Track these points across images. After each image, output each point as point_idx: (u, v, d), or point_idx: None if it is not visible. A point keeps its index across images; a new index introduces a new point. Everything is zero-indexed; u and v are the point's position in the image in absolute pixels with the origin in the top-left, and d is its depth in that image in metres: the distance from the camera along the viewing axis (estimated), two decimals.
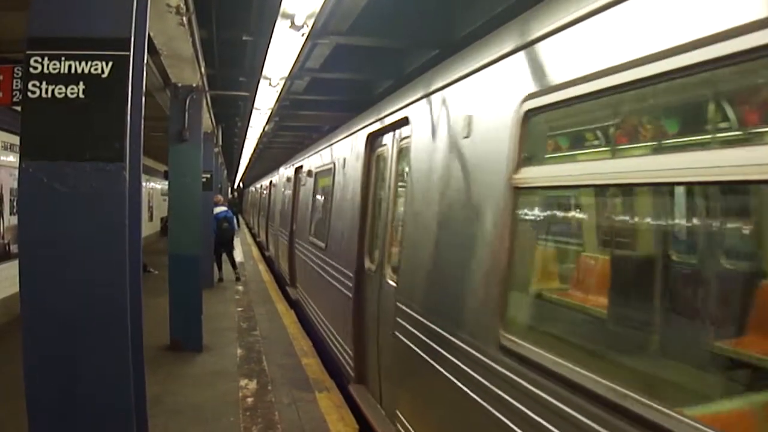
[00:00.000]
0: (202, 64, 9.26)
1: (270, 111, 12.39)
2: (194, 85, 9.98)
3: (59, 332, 3.05)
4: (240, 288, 16.69)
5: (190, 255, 9.91)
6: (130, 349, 3.17)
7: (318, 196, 11.38)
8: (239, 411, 7.31)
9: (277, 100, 11.32)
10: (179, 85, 9.99)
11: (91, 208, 3.07)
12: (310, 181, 12.10)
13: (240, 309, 13.69)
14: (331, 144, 9.88)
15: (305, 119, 15.86)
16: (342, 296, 8.05)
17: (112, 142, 3.05)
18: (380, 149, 7.07)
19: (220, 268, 17.84)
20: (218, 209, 17.85)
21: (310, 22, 6.01)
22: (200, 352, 9.93)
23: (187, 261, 9.90)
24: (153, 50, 8.50)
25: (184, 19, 6.59)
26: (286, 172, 18.34)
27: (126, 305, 3.11)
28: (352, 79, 11.51)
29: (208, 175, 16.27)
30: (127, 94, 3.09)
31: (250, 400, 7.70)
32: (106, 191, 3.06)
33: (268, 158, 31.09)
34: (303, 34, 6.32)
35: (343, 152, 8.51)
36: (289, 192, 16.81)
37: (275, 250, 19.80)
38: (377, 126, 7.04)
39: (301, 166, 14.20)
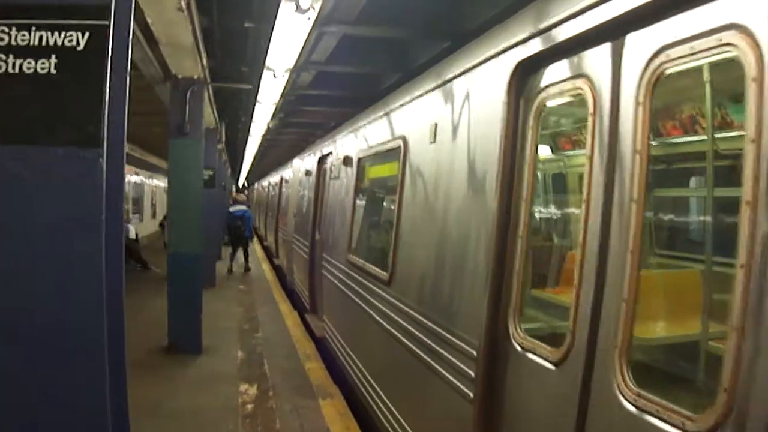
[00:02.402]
0: (204, 54, 8.89)
1: (275, 106, 12.00)
2: (195, 77, 9.60)
3: (22, 342, 2.66)
4: (242, 287, 16.35)
5: (190, 254, 9.54)
6: (108, 364, 2.76)
7: (366, 195, 8.45)
8: (239, 418, 6.93)
9: (281, 95, 10.95)
10: (180, 77, 9.62)
11: (63, 200, 2.66)
12: (348, 172, 8.81)
13: (242, 309, 13.32)
14: (395, 108, 6.63)
15: (311, 115, 15.48)
16: (437, 384, 4.67)
17: (87, 125, 2.64)
18: (558, 89, 3.57)
19: (231, 260, 19.28)
20: (236, 207, 19.52)
21: (317, 6, 5.63)
22: (199, 354, 9.57)
23: (187, 260, 9.53)
24: (152, 39, 8.15)
25: (183, 3, 6.21)
26: (303, 163, 15.05)
27: (102, 312, 2.71)
28: (359, 73, 11.08)
29: (211, 172, 15.98)
30: (106, 69, 2.69)
31: (250, 406, 7.32)
32: (80, 181, 2.65)
33: (273, 156, 30.69)
34: (309, 18, 5.92)
35: (426, 117, 5.46)
36: (308, 189, 13.57)
37: (287, 261, 16.74)
38: (555, 38, 3.52)
39: (330, 153, 10.95)
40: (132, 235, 19.62)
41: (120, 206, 2.96)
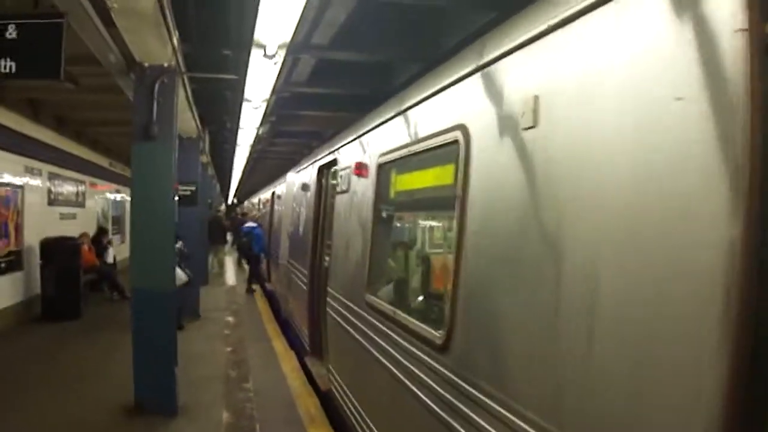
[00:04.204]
0: (175, 33, 6.85)
1: (265, 104, 9.94)
2: (165, 64, 7.55)
3: None
4: (230, 319, 14.15)
5: (160, 290, 7.44)
6: None
7: (393, 213, 6.27)
8: None
9: (273, 90, 8.92)
10: (146, 65, 7.56)
11: None
12: (362, 184, 6.74)
13: (229, 349, 11.20)
14: (444, 87, 4.51)
15: (307, 122, 13.43)
16: None
17: None
18: None
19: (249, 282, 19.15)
20: (247, 224, 20.42)
21: None
22: (174, 416, 7.50)
23: (156, 298, 7.43)
24: (108, 18, 6.17)
25: None
26: (298, 176, 12.85)
27: None
28: (369, 63, 9.04)
29: (193, 188, 13.99)
30: None
31: None
32: None
33: (264, 170, 28.46)
34: None
35: (513, 89, 3.43)
36: (305, 207, 11.44)
37: (281, 288, 14.79)
38: None
39: (333, 162, 8.84)
40: (110, 259, 17.44)
41: None
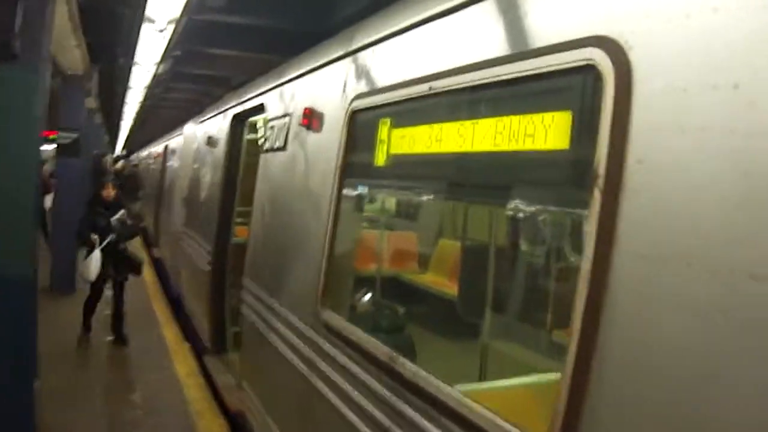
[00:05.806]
0: None
1: (172, 29, 7.66)
2: None
3: None
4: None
5: (11, 277, 5.21)
6: None
7: (393, 190, 4.99)
8: None
9: (184, 10, 6.75)
10: None
11: None
12: (312, 141, 4.81)
13: (109, 337, 9.03)
14: None
15: (217, 63, 10.98)
16: None
17: None
18: None
19: None
20: None
21: None
22: None
23: (6, 288, 5.20)
24: None
25: None
26: (202, 127, 10.61)
27: None
28: None
29: (75, 135, 11.66)
30: None
31: None
32: None
33: (162, 120, 25.27)
34: None
35: None
36: (210, 167, 9.15)
37: (172, 259, 12.34)
38: None
39: (258, 108, 6.86)
40: (48, 204, 14.12)
41: None
